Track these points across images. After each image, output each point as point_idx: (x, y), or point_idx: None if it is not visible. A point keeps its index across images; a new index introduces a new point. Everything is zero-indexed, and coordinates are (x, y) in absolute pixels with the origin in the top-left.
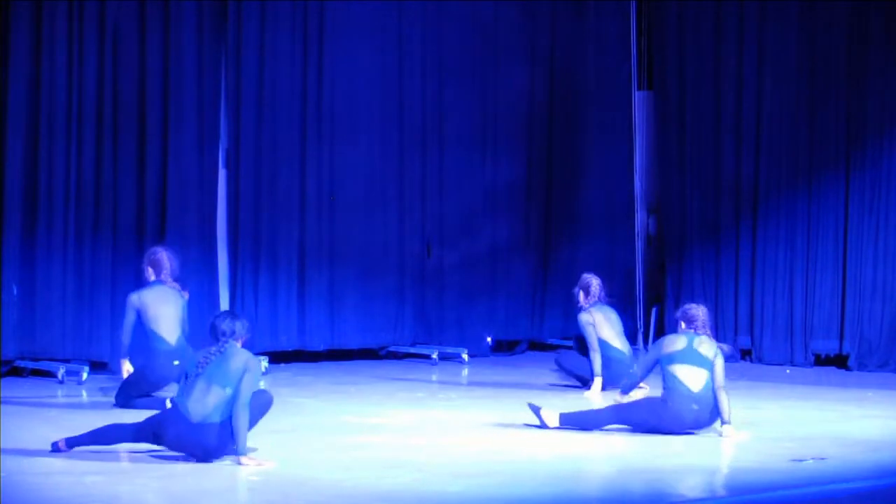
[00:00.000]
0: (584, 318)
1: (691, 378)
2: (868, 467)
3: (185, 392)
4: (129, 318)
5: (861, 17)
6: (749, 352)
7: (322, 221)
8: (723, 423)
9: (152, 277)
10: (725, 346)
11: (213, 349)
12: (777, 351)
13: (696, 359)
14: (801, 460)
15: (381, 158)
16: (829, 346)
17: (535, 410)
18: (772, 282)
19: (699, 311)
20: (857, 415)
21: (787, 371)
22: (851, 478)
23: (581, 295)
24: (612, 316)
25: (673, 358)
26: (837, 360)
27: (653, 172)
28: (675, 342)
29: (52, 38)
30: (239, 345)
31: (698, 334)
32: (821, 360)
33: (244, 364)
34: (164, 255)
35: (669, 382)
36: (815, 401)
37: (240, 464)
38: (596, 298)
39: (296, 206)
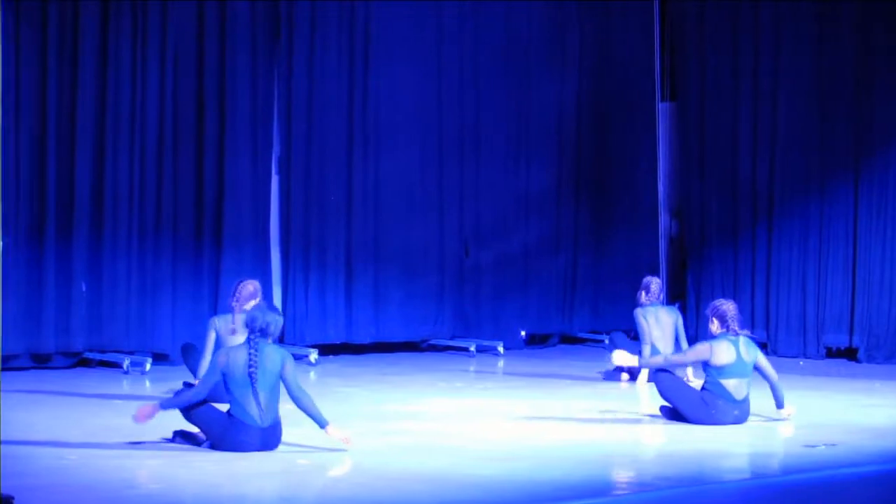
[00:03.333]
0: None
1: (738, 389)
2: (875, 453)
3: (246, 404)
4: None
5: (867, 32)
6: (765, 345)
7: (367, 223)
8: (779, 407)
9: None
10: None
11: (253, 354)
12: (791, 344)
13: (743, 370)
14: (813, 446)
15: (421, 165)
16: (839, 340)
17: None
18: (786, 280)
19: (729, 308)
20: (865, 404)
21: (801, 363)
22: (860, 462)
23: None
24: (663, 317)
25: (723, 372)
26: (847, 353)
27: (675, 178)
28: (724, 353)
29: (117, 56)
30: (269, 341)
31: (737, 335)
32: (832, 353)
33: (280, 363)
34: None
35: (715, 389)
36: (827, 391)
37: (327, 434)
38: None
39: (343, 209)
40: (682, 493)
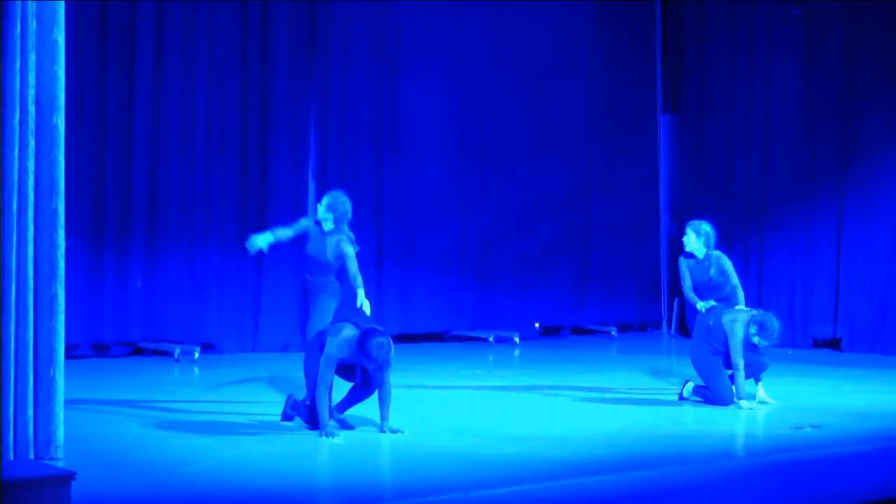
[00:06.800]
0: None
1: None
2: (858, 434)
3: None
4: None
5: (854, 49)
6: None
7: (396, 225)
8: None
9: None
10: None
11: None
12: (780, 336)
13: None
14: (800, 427)
15: (446, 170)
16: (824, 332)
17: (683, 383)
18: (776, 277)
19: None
20: (848, 389)
21: (789, 352)
22: (844, 443)
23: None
24: None
25: None
26: (832, 343)
27: (676, 184)
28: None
29: (169, 73)
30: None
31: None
32: (818, 343)
33: None
34: None
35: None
36: (813, 377)
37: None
38: None
39: (374, 211)
40: (675, 471)
